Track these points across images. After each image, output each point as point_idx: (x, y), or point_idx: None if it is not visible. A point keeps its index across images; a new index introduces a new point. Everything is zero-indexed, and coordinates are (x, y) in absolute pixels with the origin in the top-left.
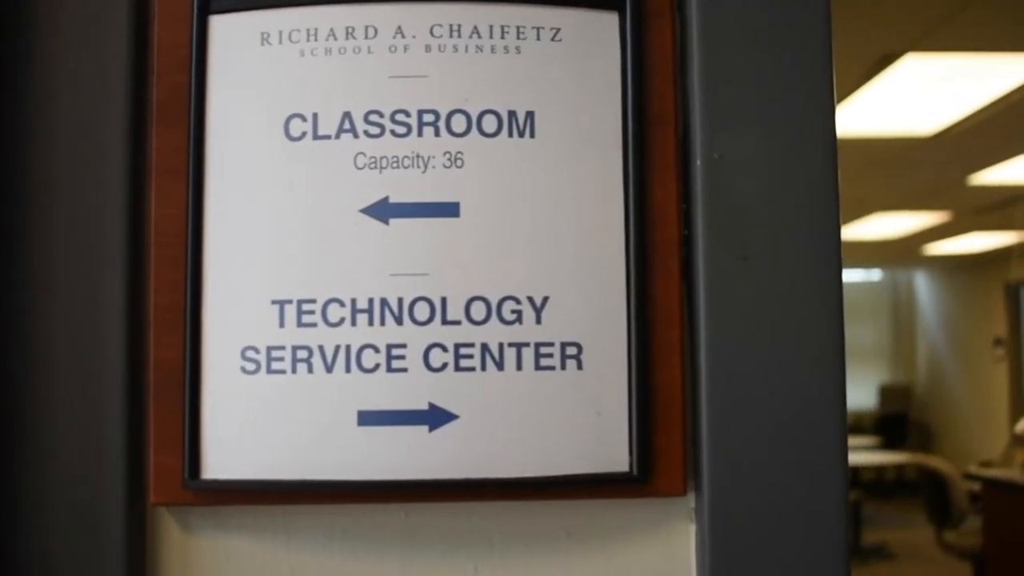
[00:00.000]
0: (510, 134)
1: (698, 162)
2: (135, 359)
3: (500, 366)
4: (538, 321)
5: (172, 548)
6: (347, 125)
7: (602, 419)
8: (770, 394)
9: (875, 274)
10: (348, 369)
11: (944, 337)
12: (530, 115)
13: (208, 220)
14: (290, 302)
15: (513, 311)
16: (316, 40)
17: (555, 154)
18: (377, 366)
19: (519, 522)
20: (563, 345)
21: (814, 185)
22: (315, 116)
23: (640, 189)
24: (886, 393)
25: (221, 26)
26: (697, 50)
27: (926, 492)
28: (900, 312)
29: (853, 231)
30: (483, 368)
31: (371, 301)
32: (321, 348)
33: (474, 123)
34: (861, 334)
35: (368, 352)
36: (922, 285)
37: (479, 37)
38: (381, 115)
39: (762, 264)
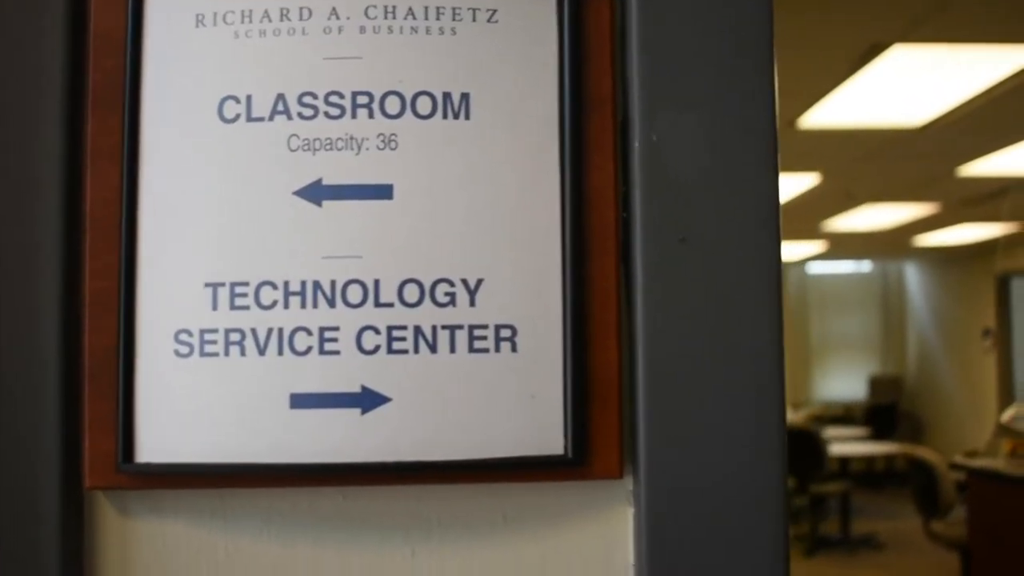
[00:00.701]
0: (445, 116)
1: (636, 144)
2: (70, 344)
3: (433, 349)
4: (472, 304)
5: (109, 532)
6: (281, 107)
7: (537, 402)
8: (708, 376)
9: (865, 266)
10: (280, 352)
11: (934, 328)
12: (465, 97)
13: (142, 204)
14: (223, 285)
15: (447, 294)
16: (251, 22)
17: (490, 136)
18: (309, 349)
19: (456, 506)
20: (497, 328)
21: (753, 168)
22: (249, 98)
23: (576, 171)
24: (876, 384)
25: (156, 9)
26: (636, 32)
27: (914, 482)
28: (890, 303)
29: (842, 223)
30: (416, 351)
31: (304, 284)
32: (254, 331)
33: (408, 105)
34: (851, 325)
35: (301, 335)
36: (912, 276)
37: (414, 19)
38: (315, 97)
39: (700, 246)
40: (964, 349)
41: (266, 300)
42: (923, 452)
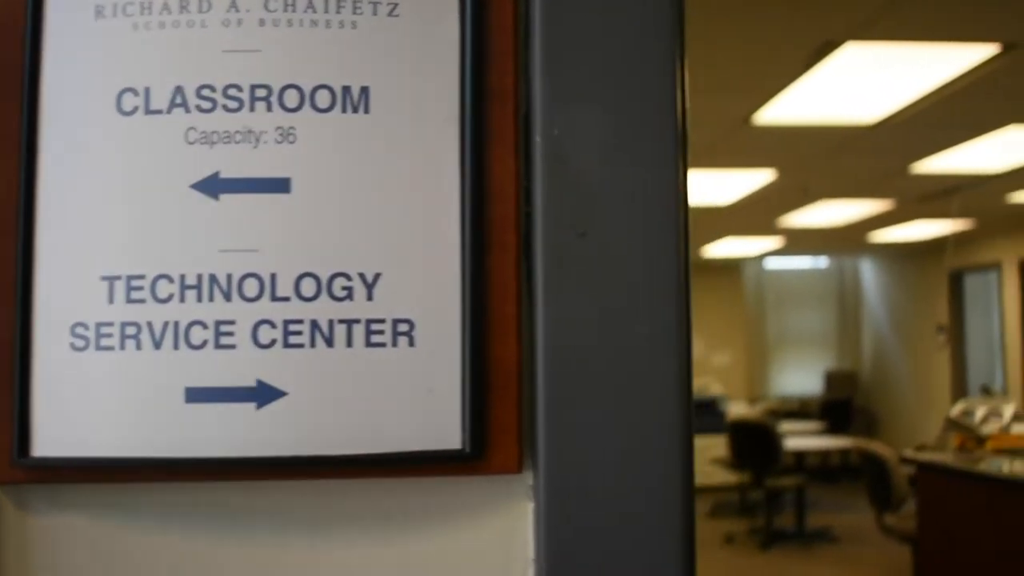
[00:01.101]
0: (344, 109)
1: (538, 138)
2: None
3: (330, 343)
4: (369, 298)
5: (7, 527)
6: (179, 100)
7: (434, 396)
8: (609, 370)
9: (822, 262)
10: (176, 346)
11: (889, 324)
12: (365, 90)
13: (40, 196)
14: (119, 278)
15: (344, 287)
16: (150, 14)
17: (390, 130)
18: (205, 343)
19: (356, 501)
20: (395, 322)
21: (655, 163)
22: (147, 90)
23: (477, 165)
24: (832, 379)
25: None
26: (539, 26)
27: (867, 476)
28: (846, 299)
29: (799, 218)
30: (312, 345)
31: (200, 277)
32: (150, 324)
33: (307, 98)
34: (808, 321)
35: (196, 329)
36: (868, 273)
37: (314, 11)
38: (213, 90)
39: (601, 240)
40: (918, 345)
41: (162, 294)
42: (876, 446)
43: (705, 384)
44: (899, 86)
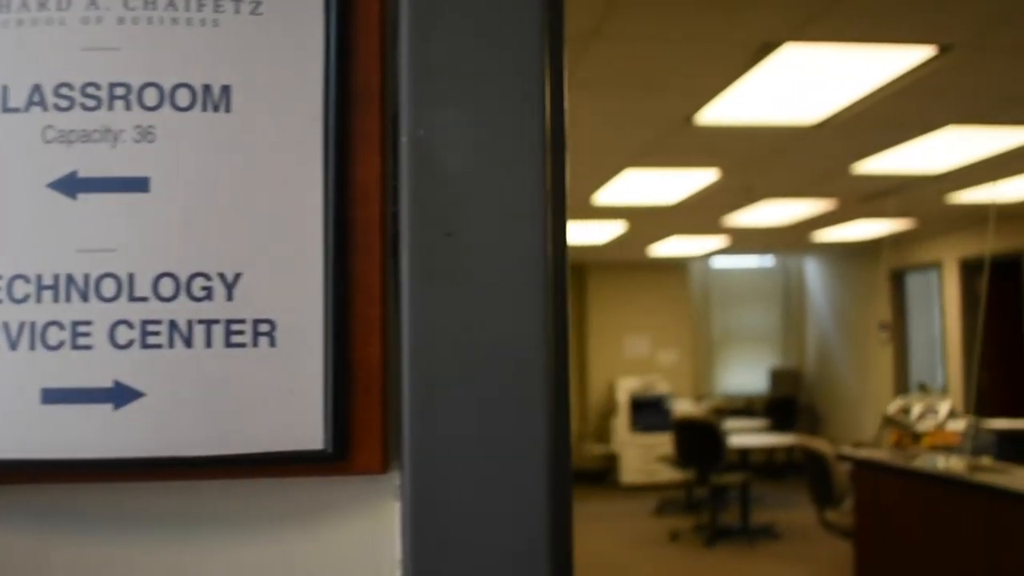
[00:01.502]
0: (204, 108)
1: (404, 139)
2: None
3: (189, 343)
4: (229, 298)
5: None
6: (36, 98)
7: (296, 396)
8: (475, 370)
9: (768, 260)
10: (32, 347)
11: (833, 322)
12: (226, 89)
13: None
14: None
15: (203, 288)
16: (8, 11)
17: (252, 129)
18: (62, 343)
19: (222, 502)
20: (255, 322)
21: (522, 162)
22: (5, 89)
23: (341, 166)
24: (777, 377)
25: None
26: (406, 26)
27: (809, 473)
28: (791, 298)
29: (743, 218)
30: (171, 345)
31: (57, 277)
32: (6, 325)
33: (167, 97)
34: (753, 319)
35: (53, 329)
36: (812, 271)
37: (175, 9)
38: (71, 88)
39: (467, 240)
40: (861, 342)
41: (18, 294)
42: (817, 443)
43: (651, 382)
44: (839, 87)
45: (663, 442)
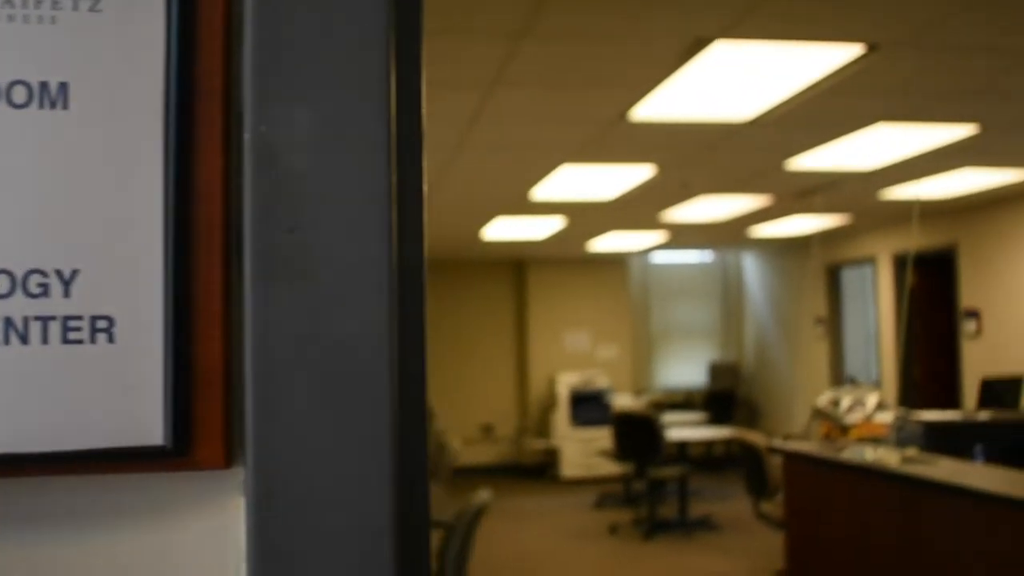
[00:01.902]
0: (41, 105)
1: (246, 136)
2: None
3: (25, 340)
4: (66, 295)
5: None
6: None
7: (136, 392)
8: (317, 367)
9: (707, 256)
10: None
11: (770, 316)
12: (64, 86)
13: None
14: None
15: (39, 284)
16: None
17: (91, 126)
18: None
19: (63, 499)
20: (93, 319)
21: (365, 161)
22: None
23: (182, 163)
24: (715, 371)
25: None
26: (250, 23)
27: (744, 465)
28: (729, 292)
29: (680, 213)
30: (6, 342)
31: None
32: None
33: (2, 94)
34: (692, 314)
35: None
36: (750, 266)
37: (11, 7)
38: None
39: (309, 236)
40: (798, 337)
41: None
42: (752, 436)
43: (592, 377)
44: (770, 84)
45: (603, 436)
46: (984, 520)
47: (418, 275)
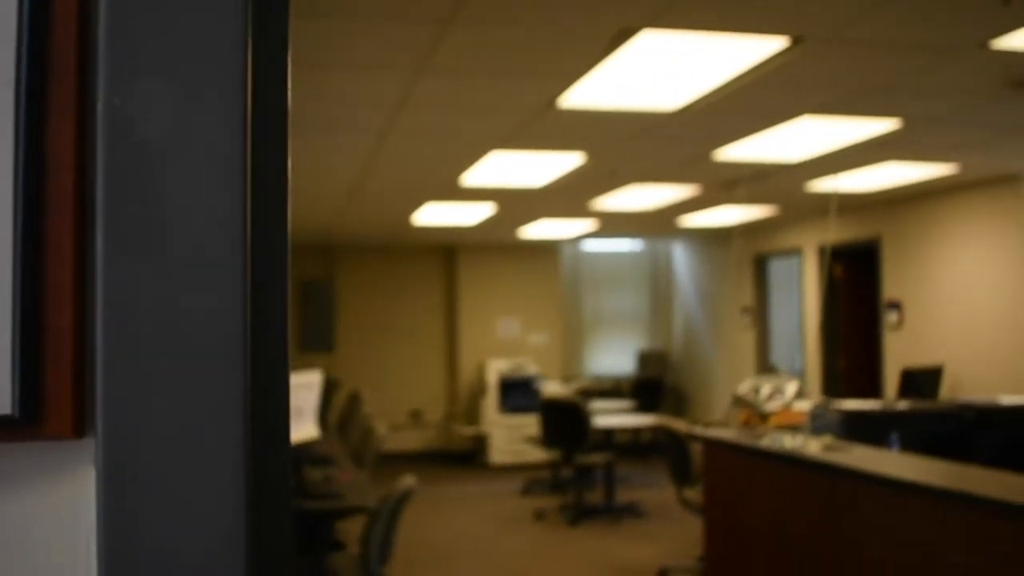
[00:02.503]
0: None
1: (99, 108)
2: None
3: None
4: None
5: None
6: None
7: None
8: (169, 339)
9: (637, 244)
10: None
11: (698, 305)
12: None
13: None
14: None
15: None
16: None
17: None
18: None
19: None
20: None
21: (218, 135)
22: None
23: (32, 135)
24: (644, 359)
25: None
26: None
27: (669, 452)
28: (659, 281)
29: (610, 202)
30: None
31: None
32: None
33: None
34: (622, 302)
35: None
36: (679, 255)
37: None
38: None
39: (161, 211)
40: (725, 326)
41: None
42: (676, 424)
43: (521, 364)
44: (696, 75)
45: (532, 423)
46: (895, 506)
47: (279, 249)
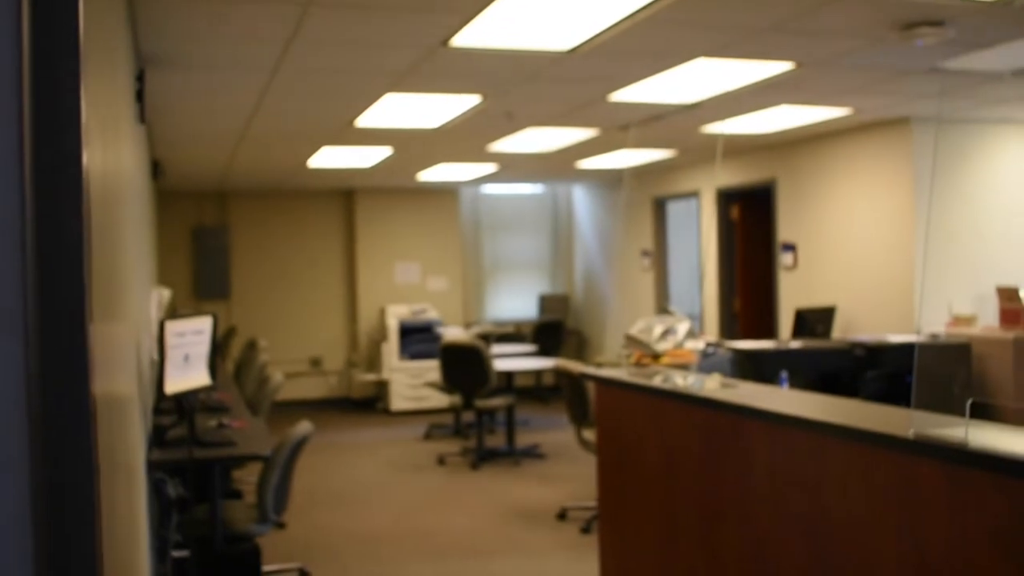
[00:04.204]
0: None
1: None
2: None
3: None
4: None
5: None
6: None
7: None
8: None
9: (538, 188)
10: None
11: (599, 248)
12: None
13: None
14: None
15: None
16: None
17: None
18: None
19: None
20: None
21: None
22: None
23: None
24: (545, 303)
25: None
26: None
27: (566, 394)
28: (559, 225)
29: (507, 145)
30: None
31: None
32: None
33: None
34: (523, 246)
35: None
36: (580, 198)
37: None
38: None
39: None
40: (625, 269)
41: None
42: (572, 365)
43: (422, 310)
44: (588, 14)
45: (433, 369)
46: (775, 440)
47: (71, 192)
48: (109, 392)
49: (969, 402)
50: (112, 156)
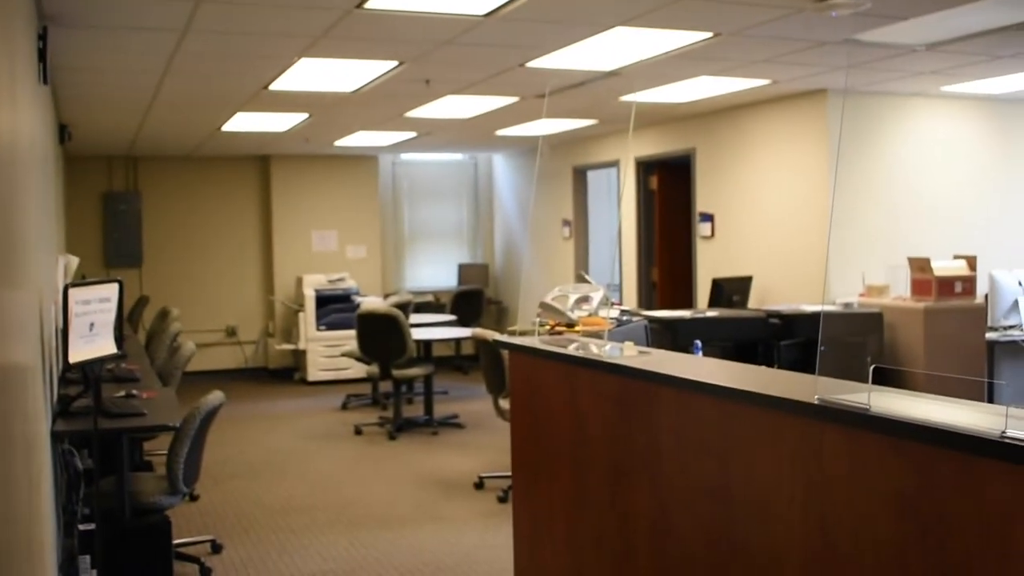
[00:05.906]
0: None
1: None
2: None
3: None
4: None
5: None
6: None
7: None
8: None
9: (459, 156)
10: None
11: (519, 217)
12: None
13: None
14: None
15: None
16: None
17: None
18: None
19: None
20: None
21: None
22: None
23: None
24: (465, 272)
25: None
26: None
27: (482, 363)
28: (480, 193)
29: (426, 112)
30: None
31: None
32: None
33: None
34: (443, 215)
35: None
36: (500, 167)
37: None
38: None
39: None
40: (546, 237)
41: None
42: (488, 333)
43: (340, 279)
44: None
45: (350, 338)
46: (683, 406)
47: None
48: (5, 361)
49: (872, 367)
50: (7, 116)
